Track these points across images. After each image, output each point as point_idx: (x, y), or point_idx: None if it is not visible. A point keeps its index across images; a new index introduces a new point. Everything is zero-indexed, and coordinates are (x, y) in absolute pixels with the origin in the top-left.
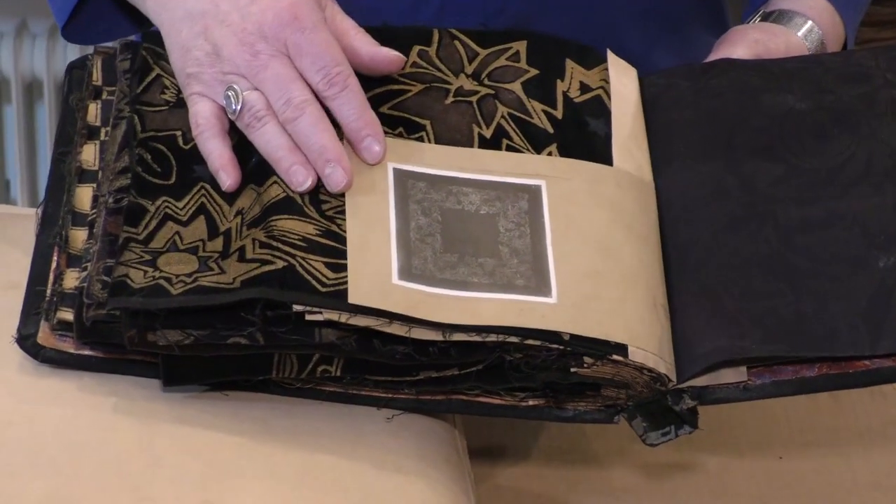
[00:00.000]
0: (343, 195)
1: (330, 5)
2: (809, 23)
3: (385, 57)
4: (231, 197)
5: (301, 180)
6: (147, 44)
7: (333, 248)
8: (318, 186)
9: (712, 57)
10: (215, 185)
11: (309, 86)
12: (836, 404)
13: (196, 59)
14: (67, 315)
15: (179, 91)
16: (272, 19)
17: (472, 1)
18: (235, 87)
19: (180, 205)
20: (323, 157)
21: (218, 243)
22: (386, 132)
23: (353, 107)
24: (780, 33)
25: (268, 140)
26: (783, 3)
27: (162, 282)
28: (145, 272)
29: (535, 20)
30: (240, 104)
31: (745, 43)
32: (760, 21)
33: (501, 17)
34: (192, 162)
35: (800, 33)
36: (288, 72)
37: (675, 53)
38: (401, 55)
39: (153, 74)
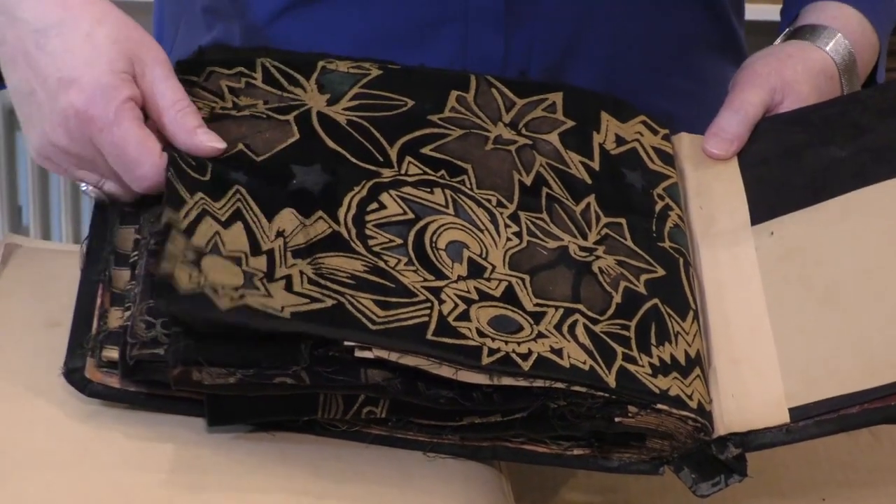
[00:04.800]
0: (389, 229)
1: (150, 71)
2: (838, 35)
3: (199, 146)
4: (269, 212)
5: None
6: (180, 75)
7: (381, 286)
8: (364, 221)
9: (728, 101)
10: (251, 191)
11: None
12: (877, 442)
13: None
14: (112, 353)
15: (213, 108)
16: (71, 118)
17: (493, 67)
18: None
19: (217, 205)
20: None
21: (261, 262)
22: (428, 174)
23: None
24: (795, 54)
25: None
26: (809, 18)
27: (208, 290)
28: (190, 275)
29: (559, 76)
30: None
31: (758, 82)
32: (788, 39)
33: (525, 77)
34: (229, 168)
35: (828, 47)
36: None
37: (697, 103)
38: (216, 148)
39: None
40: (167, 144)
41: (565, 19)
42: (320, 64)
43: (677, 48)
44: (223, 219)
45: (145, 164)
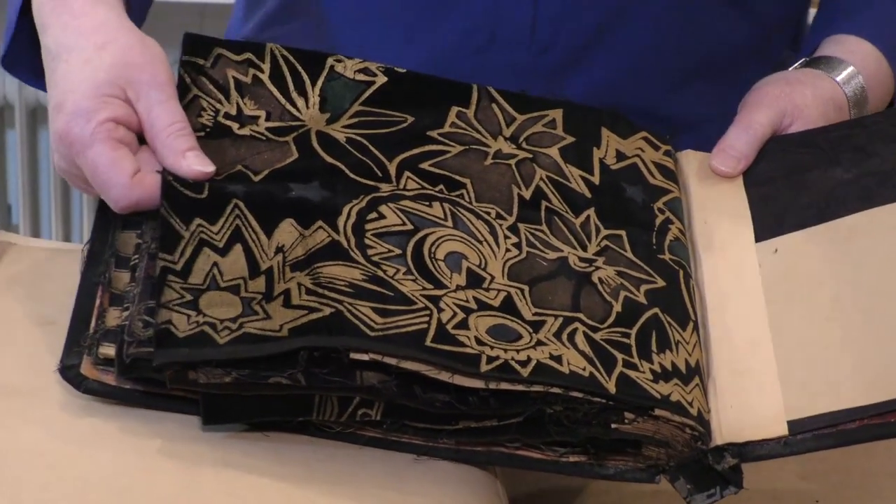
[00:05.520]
0: (388, 240)
1: (146, 95)
2: (851, 68)
3: (187, 169)
4: (269, 227)
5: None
6: (186, 56)
7: (381, 294)
8: (363, 230)
9: (736, 119)
10: (249, 204)
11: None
12: (871, 446)
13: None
14: (109, 351)
15: (217, 113)
16: (57, 142)
17: (522, 35)
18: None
19: (215, 229)
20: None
21: (260, 283)
22: (426, 189)
23: None
24: (806, 81)
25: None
26: (827, 49)
27: (206, 328)
28: (188, 317)
29: (585, 59)
30: None
31: (768, 103)
32: (804, 67)
33: (551, 52)
34: (227, 182)
35: (839, 78)
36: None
37: (728, 106)
38: (204, 172)
39: (190, 95)
40: (163, 169)
41: (597, 3)
42: (329, 62)
43: (711, 50)
44: (221, 244)
45: (114, 187)
